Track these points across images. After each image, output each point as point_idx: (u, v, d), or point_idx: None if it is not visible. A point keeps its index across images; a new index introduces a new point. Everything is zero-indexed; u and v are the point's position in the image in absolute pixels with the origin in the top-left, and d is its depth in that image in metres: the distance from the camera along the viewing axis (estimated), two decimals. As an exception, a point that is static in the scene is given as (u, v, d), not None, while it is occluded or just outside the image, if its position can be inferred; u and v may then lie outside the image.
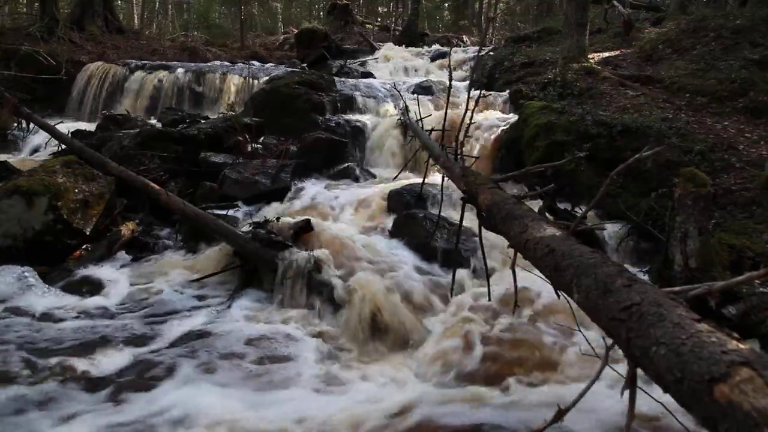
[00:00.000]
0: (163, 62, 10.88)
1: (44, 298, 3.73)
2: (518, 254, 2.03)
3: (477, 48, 13.64)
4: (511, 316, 3.53)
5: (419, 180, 5.28)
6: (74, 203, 4.33)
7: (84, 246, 4.44)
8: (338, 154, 6.74)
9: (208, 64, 11.35)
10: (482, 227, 2.53)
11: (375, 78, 10.96)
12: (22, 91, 8.64)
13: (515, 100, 7.76)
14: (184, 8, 25.18)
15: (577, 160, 5.15)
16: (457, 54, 12.82)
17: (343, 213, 5.36)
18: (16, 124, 7.63)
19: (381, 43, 15.33)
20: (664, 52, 8.41)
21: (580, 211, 4.74)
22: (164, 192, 4.63)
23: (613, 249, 4.67)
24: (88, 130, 7.35)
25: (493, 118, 7.14)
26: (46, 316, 3.54)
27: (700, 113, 6.25)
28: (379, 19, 25.08)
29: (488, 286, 3.23)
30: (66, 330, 3.37)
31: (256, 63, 11.96)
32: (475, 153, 6.09)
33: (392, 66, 12.86)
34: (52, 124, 6.48)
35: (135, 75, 9.96)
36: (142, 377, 2.92)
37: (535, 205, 4.81)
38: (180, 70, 9.93)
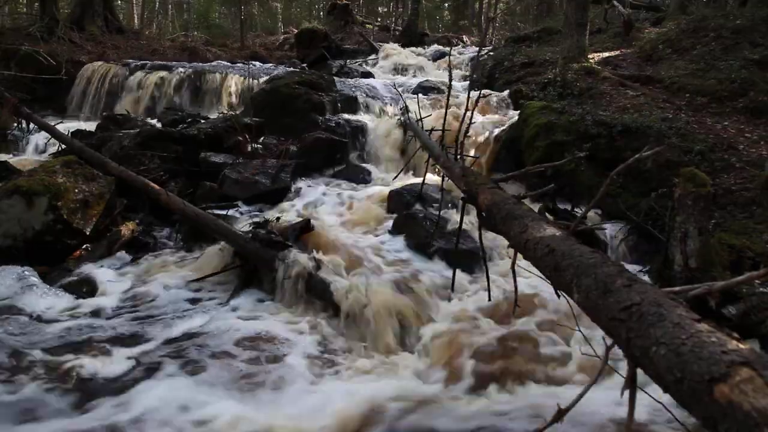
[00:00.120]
0: (163, 62, 10.87)
1: (44, 298, 3.73)
2: (518, 254, 2.03)
3: (477, 48, 13.64)
4: (511, 316, 3.53)
5: (419, 180, 5.28)
6: (74, 203, 4.33)
7: (84, 246, 4.44)
8: (338, 154, 6.74)
9: (208, 64, 11.34)
10: (482, 227, 2.53)
11: (375, 78, 10.96)
12: (22, 91, 8.63)
13: (515, 100, 7.77)
14: (184, 8, 25.18)
15: (577, 160, 5.15)
16: (457, 54, 12.82)
17: (343, 213, 5.36)
18: (16, 124, 7.62)
19: (381, 43, 15.31)
20: (664, 52, 8.41)
21: (580, 211, 4.74)
22: (164, 192, 4.63)
23: (613, 249, 4.67)
24: (88, 130, 7.34)
25: (493, 118, 7.15)
26: (46, 316, 3.54)
27: (700, 113, 6.25)
28: (379, 19, 25.07)
29: (488, 286, 3.23)
30: (65, 330, 3.37)
31: (256, 63, 11.95)
32: (475, 153, 6.09)
33: (392, 66, 12.86)
34: (52, 124, 6.48)
35: (135, 75, 9.95)
36: (139, 377, 2.91)
37: (535, 205, 4.81)
38: (180, 70, 9.93)
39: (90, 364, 2.95)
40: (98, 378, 2.89)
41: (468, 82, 8.98)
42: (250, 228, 4.33)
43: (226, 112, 7.88)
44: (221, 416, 2.58)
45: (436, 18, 28.77)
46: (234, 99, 9.37)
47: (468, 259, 4.26)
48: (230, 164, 5.79)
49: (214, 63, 11.77)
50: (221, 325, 3.47)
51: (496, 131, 6.64)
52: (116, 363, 3.01)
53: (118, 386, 2.82)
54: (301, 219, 4.58)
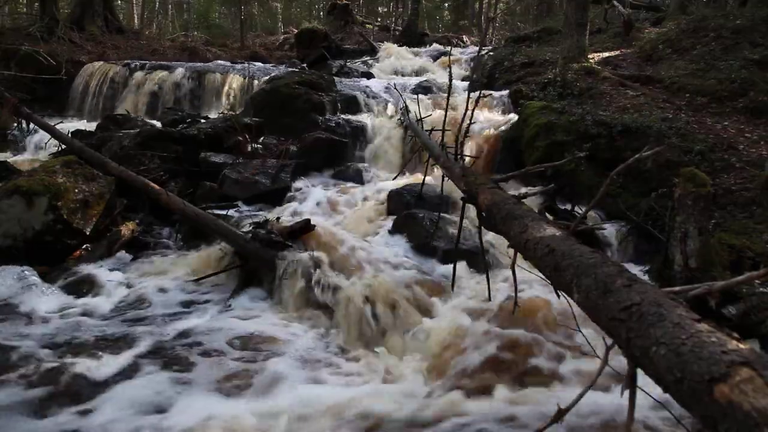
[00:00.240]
0: (163, 62, 10.88)
1: (44, 298, 3.73)
2: (518, 254, 2.03)
3: (477, 48, 13.64)
4: (510, 316, 3.53)
5: (419, 180, 5.28)
6: (74, 203, 4.33)
7: (84, 246, 4.44)
8: (338, 154, 6.74)
9: (208, 64, 11.35)
10: (482, 227, 2.53)
11: (375, 78, 10.96)
12: (22, 91, 8.63)
13: (515, 100, 7.76)
14: (184, 8, 25.18)
15: (577, 160, 5.15)
16: (457, 54, 12.82)
17: (343, 213, 5.37)
18: (16, 124, 7.63)
19: (381, 43, 15.31)
20: (664, 52, 8.41)
21: (580, 211, 4.74)
22: (164, 192, 4.63)
23: (614, 249, 4.67)
24: (88, 130, 7.35)
25: (493, 118, 7.15)
26: (46, 316, 3.54)
27: (700, 113, 6.25)
28: (379, 19, 25.07)
29: (488, 286, 3.24)
30: (63, 329, 3.37)
31: (256, 63, 11.95)
32: (475, 153, 6.09)
33: (392, 66, 12.86)
34: (52, 124, 6.47)
35: (135, 75, 9.97)
36: (135, 377, 2.91)
37: (535, 205, 4.81)
38: (180, 70, 9.93)
39: (80, 364, 2.94)
40: (84, 378, 2.86)
41: (468, 82, 8.98)
42: (250, 228, 4.33)
43: (226, 112, 7.89)
44: (199, 414, 2.58)
45: (436, 18, 28.77)
46: (234, 99, 9.38)
47: (468, 259, 4.25)
48: (230, 164, 5.79)
49: (214, 63, 11.78)
50: (218, 325, 3.48)
51: (496, 131, 6.64)
52: (107, 364, 3.00)
53: (103, 386, 2.81)
54: (300, 219, 4.58)
